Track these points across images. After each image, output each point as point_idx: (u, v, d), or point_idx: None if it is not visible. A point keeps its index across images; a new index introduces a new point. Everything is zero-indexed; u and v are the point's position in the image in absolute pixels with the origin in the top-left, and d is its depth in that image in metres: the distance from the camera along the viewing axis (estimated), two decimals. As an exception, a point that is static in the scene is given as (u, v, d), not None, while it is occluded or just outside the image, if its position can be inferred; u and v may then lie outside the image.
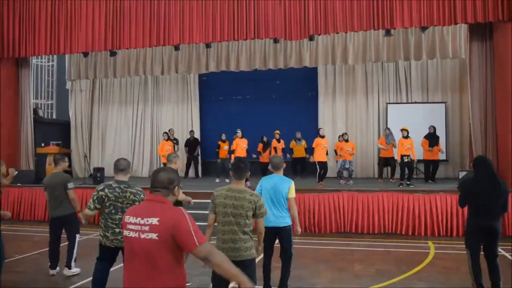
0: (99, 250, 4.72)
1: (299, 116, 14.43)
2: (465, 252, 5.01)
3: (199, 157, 14.65)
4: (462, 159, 12.75)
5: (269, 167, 5.32)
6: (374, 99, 13.81)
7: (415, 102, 13.37)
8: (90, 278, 4.84)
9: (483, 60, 10.20)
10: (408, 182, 10.60)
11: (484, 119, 10.20)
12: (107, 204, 4.54)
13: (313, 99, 14.40)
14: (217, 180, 12.66)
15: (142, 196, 4.55)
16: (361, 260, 6.97)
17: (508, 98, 9.37)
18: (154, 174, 2.73)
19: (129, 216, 2.61)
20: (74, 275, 6.28)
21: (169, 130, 13.64)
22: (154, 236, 2.48)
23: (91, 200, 4.58)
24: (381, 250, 7.66)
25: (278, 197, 5.01)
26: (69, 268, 6.31)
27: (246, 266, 3.81)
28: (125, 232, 2.59)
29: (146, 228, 2.51)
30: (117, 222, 4.50)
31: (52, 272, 6.36)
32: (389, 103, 13.53)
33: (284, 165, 5.21)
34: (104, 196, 4.54)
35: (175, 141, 13.57)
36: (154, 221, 2.50)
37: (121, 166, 4.64)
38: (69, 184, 6.21)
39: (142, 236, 2.51)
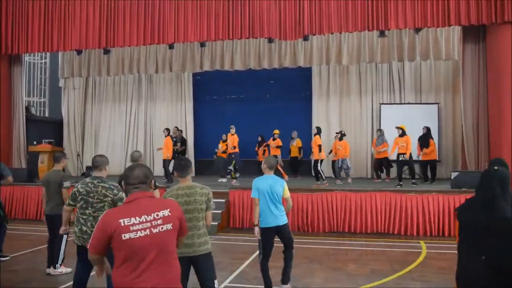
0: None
1: (293, 115, 14.46)
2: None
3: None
4: (454, 159, 12.83)
5: (263, 166, 5.36)
6: (368, 99, 13.87)
7: (408, 103, 13.44)
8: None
9: (476, 62, 10.28)
10: (413, 181, 10.37)
11: (476, 120, 10.28)
12: (78, 198, 4.57)
13: (307, 99, 14.44)
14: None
15: (115, 191, 4.48)
16: (355, 260, 7.02)
17: (501, 100, 9.46)
18: (128, 171, 2.73)
19: (127, 219, 2.50)
20: (62, 274, 6.24)
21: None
22: (169, 226, 2.60)
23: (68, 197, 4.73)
24: (374, 250, 7.71)
25: (275, 197, 5.13)
26: (54, 267, 6.29)
27: (203, 261, 3.92)
28: (128, 235, 2.46)
29: (159, 221, 2.57)
30: (86, 217, 4.47)
31: (48, 271, 6.33)
32: (383, 103, 13.60)
33: (277, 165, 5.35)
34: (76, 192, 4.59)
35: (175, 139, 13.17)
36: (166, 212, 2.61)
37: (95, 163, 4.70)
38: (64, 182, 6.14)
39: (155, 230, 2.54)
